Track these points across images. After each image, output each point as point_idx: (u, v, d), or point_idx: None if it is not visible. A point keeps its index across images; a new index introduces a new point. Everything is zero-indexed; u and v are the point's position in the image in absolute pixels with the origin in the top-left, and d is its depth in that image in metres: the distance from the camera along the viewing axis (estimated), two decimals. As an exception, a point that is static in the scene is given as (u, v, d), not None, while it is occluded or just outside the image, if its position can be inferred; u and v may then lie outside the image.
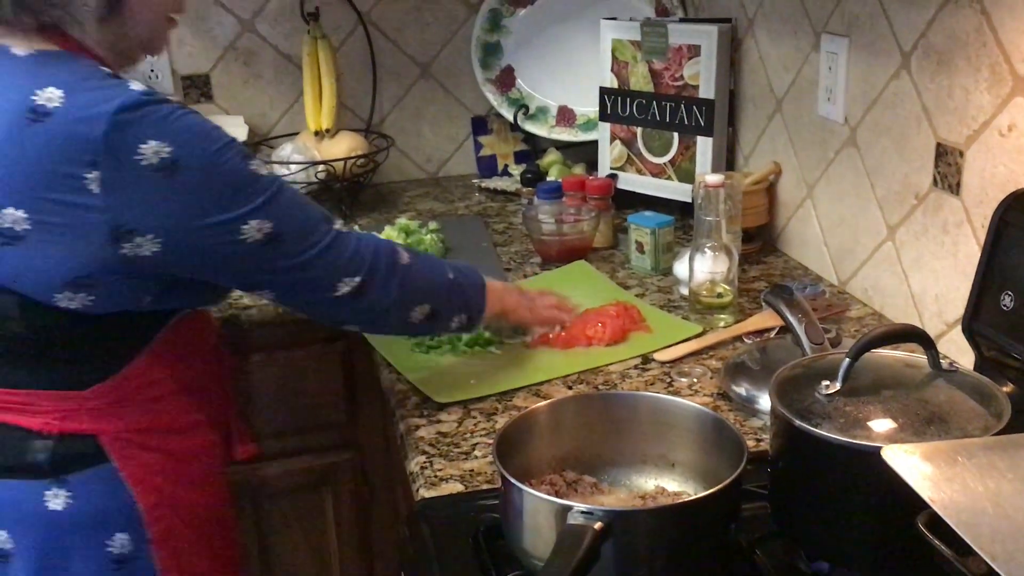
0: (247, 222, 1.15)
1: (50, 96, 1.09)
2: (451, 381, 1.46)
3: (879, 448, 0.83)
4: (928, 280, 1.53)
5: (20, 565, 1.22)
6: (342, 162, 2.18)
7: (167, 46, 1.31)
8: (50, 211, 1.09)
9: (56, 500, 1.20)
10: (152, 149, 1.08)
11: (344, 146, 2.24)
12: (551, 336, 1.56)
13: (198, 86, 2.34)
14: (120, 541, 1.23)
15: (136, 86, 1.12)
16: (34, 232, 1.10)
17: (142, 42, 1.24)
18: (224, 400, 1.41)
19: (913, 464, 0.77)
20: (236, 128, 2.25)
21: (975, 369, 1.27)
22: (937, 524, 0.75)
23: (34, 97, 1.09)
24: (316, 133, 2.27)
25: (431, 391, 1.43)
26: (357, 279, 1.24)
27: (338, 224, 1.25)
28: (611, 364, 1.51)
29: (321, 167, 2.17)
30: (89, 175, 1.08)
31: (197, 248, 1.15)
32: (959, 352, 1.39)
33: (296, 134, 2.34)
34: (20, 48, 1.14)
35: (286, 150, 2.21)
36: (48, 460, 1.19)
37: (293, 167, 2.16)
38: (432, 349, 1.54)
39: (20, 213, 1.10)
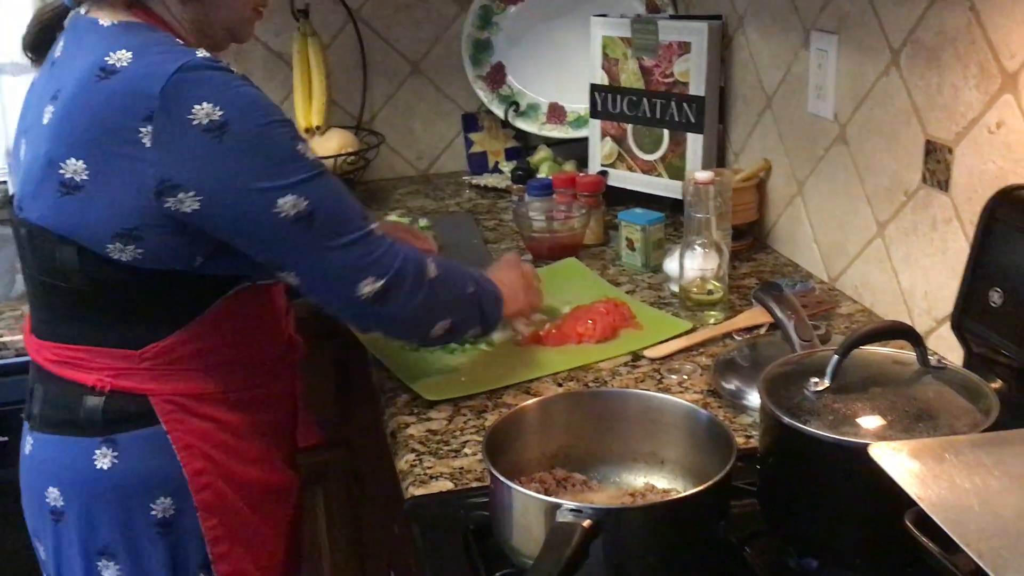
0: (284, 195, 1.16)
1: (120, 56, 1.15)
2: (441, 379, 1.46)
3: (867, 445, 0.83)
4: (917, 277, 1.53)
5: (73, 523, 1.25)
6: (333, 159, 2.18)
7: (252, 35, 1.34)
8: (106, 162, 1.14)
9: (104, 459, 1.22)
10: (205, 111, 1.12)
11: (335, 143, 2.24)
12: (542, 333, 1.56)
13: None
14: (163, 505, 1.24)
15: (202, 53, 1.16)
16: (91, 182, 1.15)
17: (226, 27, 1.28)
18: (291, 385, 1.42)
19: (900, 461, 0.77)
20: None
21: (964, 366, 1.28)
22: (925, 521, 0.75)
23: (107, 58, 1.15)
24: (307, 131, 2.27)
25: (422, 389, 1.43)
26: (380, 283, 1.23)
27: (374, 225, 1.25)
28: (601, 361, 1.51)
29: (311, 164, 2.16)
30: (143, 128, 1.12)
31: (233, 212, 1.16)
32: (948, 349, 1.40)
33: (286, 131, 2.33)
34: (106, 20, 1.20)
35: (276, 147, 2.20)
36: (100, 417, 1.22)
37: (283, 164, 2.15)
38: (423, 347, 1.54)
39: (80, 164, 1.15)
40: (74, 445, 1.24)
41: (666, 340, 1.56)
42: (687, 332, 1.59)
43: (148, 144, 1.12)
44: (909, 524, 0.75)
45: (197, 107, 1.12)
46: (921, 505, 0.70)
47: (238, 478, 1.30)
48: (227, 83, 1.15)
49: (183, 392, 1.25)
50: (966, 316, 1.27)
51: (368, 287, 1.23)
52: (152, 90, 1.12)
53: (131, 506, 1.24)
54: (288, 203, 1.16)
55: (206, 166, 1.14)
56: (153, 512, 1.24)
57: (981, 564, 0.63)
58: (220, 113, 1.12)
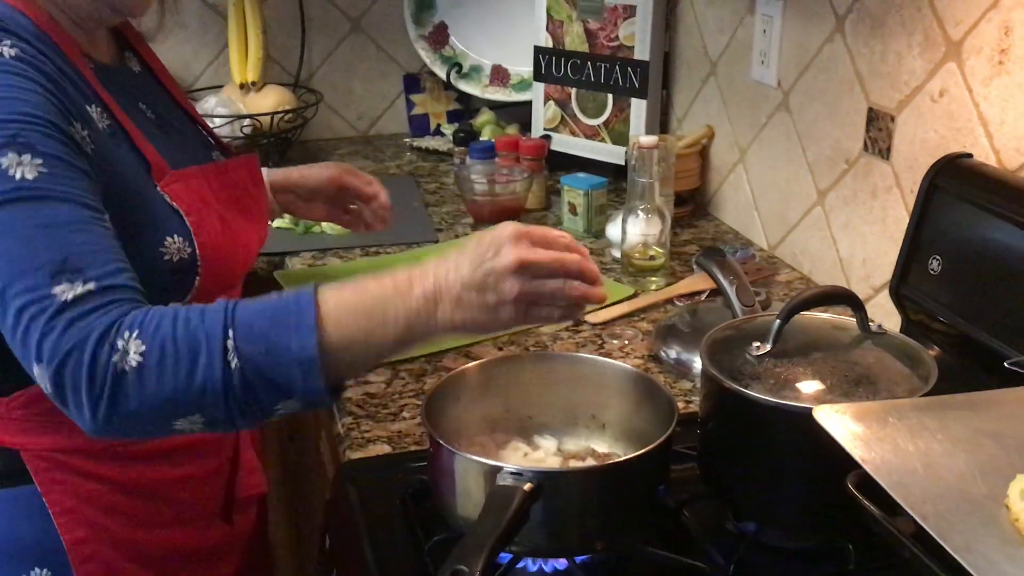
0: None
1: None
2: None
3: (810, 409, 0.83)
4: (856, 244, 1.54)
5: None
6: (269, 117, 2.12)
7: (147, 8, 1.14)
8: None
9: None
10: None
11: (271, 100, 2.18)
12: None
13: (118, 34, 2.24)
14: None
15: None
16: None
17: None
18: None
19: (844, 424, 0.77)
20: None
21: (901, 332, 1.28)
22: (866, 484, 0.75)
23: None
24: (241, 86, 2.21)
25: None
26: (48, 374, 0.87)
27: (72, 292, 0.88)
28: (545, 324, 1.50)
29: (247, 121, 2.11)
30: None
31: None
32: (885, 316, 1.41)
33: (221, 87, 2.27)
34: None
35: (210, 103, 2.14)
36: None
37: (218, 120, 2.09)
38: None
39: None
40: None
41: (608, 305, 1.55)
42: (628, 297, 1.58)
43: None
44: (851, 487, 0.74)
45: None
46: (865, 468, 0.69)
47: (139, 545, 1.11)
48: None
49: (62, 447, 1.05)
50: (905, 283, 1.28)
51: (41, 379, 0.88)
52: None
53: (1, 574, 1.07)
54: None
55: None
56: None
57: (925, 527, 0.63)
58: None
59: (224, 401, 0.88)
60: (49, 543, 1.07)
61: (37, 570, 1.07)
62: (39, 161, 0.91)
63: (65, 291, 0.88)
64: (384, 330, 0.91)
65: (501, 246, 0.91)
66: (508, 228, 0.93)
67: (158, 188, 1.05)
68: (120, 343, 0.87)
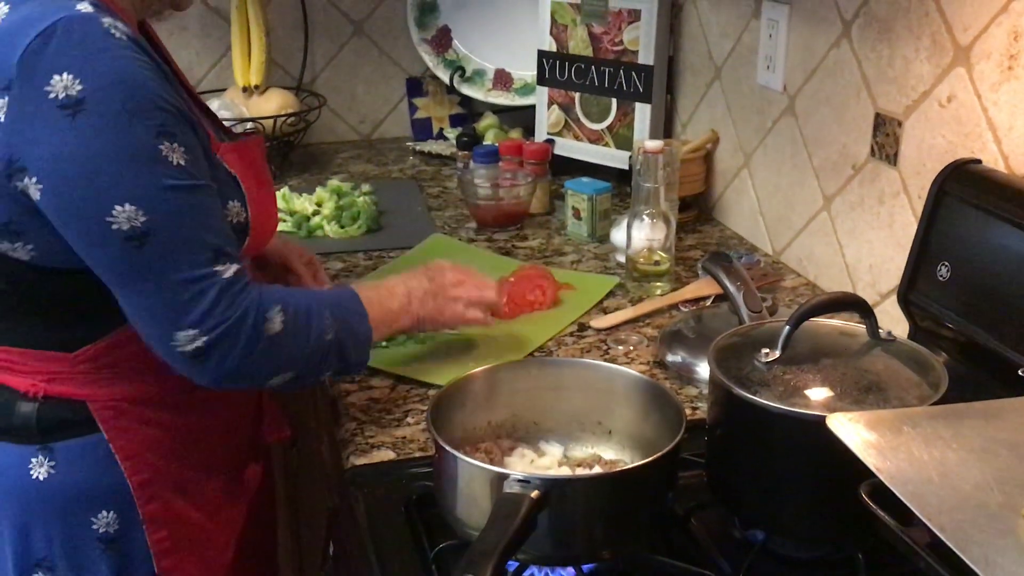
0: (122, 204, 1.00)
1: None
2: (441, 364, 1.37)
3: (823, 417, 0.82)
4: (863, 250, 1.53)
5: (6, 535, 1.15)
6: (272, 120, 2.12)
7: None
8: None
9: (40, 469, 1.12)
10: (64, 83, 0.97)
11: (274, 104, 2.18)
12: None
13: (120, 37, 2.24)
14: (106, 520, 1.14)
15: (84, 7, 1.00)
16: None
17: None
18: None
19: (857, 432, 0.76)
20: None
21: (909, 339, 1.28)
22: (879, 493, 0.74)
23: None
24: (244, 89, 2.20)
25: (431, 378, 1.35)
26: (202, 340, 1.04)
27: (229, 268, 1.06)
28: (574, 322, 1.52)
29: (250, 125, 2.10)
30: (2, 100, 0.99)
31: (68, 206, 1.01)
32: (892, 322, 1.40)
33: (224, 90, 2.26)
34: None
35: (213, 106, 2.13)
36: (34, 424, 1.12)
37: (220, 124, 2.08)
38: (391, 341, 1.41)
39: None
40: (8, 453, 1.13)
41: (605, 298, 1.59)
42: (616, 285, 1.62)
43: (2, 118, 0.99)
44: (864, 496, 0.73)
45: (57, 77, 0.97)
46: (880, 477, 0.68)
47: (190, 485, 1.20)
48: (100, 50, 0.99)
49: (124, 397, 1.14)
50: (913, 289, 1.27)
51: (187, 341, 1.04)
52: (11, 57, 0.98)
53: (70, 520, 1.14)
54: (124, 213, 1.00)
55: (48, 149, 0.99)
56: (95, 527, 1.14)
57: (943, 538, 0.62)
58: (79, 87, 0.97)
59: (319, 359, 1.13)
60: (116, 487, 1.14)
61: (104, 513, 1.15)
62: (182, 148, 1.04)
63: (224, 271, 1.05)
64: (393, 322, 1.26)
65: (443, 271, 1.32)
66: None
67: (217, 156, 1.14)
68: (270, 313, 1.08)
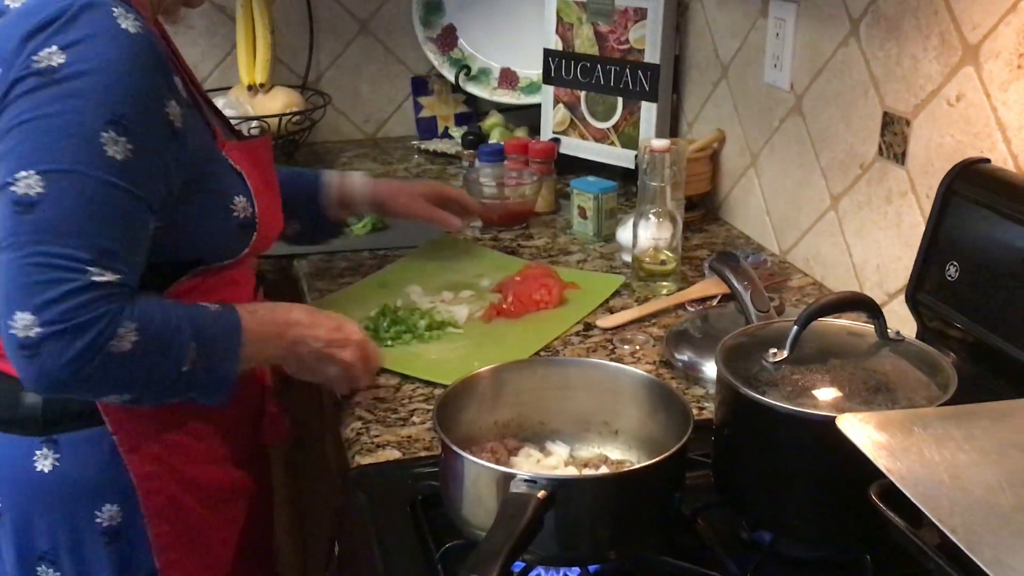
0: (30, 170, 0.98)
1: None
2: (445, 363, 1.37)
3: (830, 417, 0.81)
4: (870, 250, 1.53)
5: (9, 527, 1.15)
6: (277, 119, 2.11)
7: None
8: None
9: (44, 461, 1.13)
10: (49, 55, 0.99)
11: (279, 102, 2.17)
12: (504, 306, 1.53)
13: (125, 35, 2.24)
14: (110, 512, 1.15)
15: None
16: None
17: None
18: (258, 377, 1.30)
19: (868, 433, 0.75)
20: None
21: (917, 339, 1.27)
22: (889, 494, 0.73)
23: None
24: (249, 88, 2.20)
25: (437, 377, 1.34)
26: (37, 331, 0.97)
27: (103, 276, 0.99)
28: (580, 321, 1.52)
29: (255, 123, 2.10)
30: (1, 70, 1.01)
31: None
32: (899, 322, 1.38)
33: (229, 88, 2.26)
34: None
35: (218, 104, 2.13)
36: (39, 415, 1.12)
37: (225, 122, 2.08)
38: (396, 340, 1.43)
39: None
40: (13, 444, 1.13)
41: (611, 297, 1.59)
42: (622, 285, 1.62)
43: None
44: (874, 497, 0.73)
45: (46, 51, 0.99)
46: (891, 478, 0.68)
47: (193, 480, 1.20)
48: (98, 35, 1.00)
49: None
50: (921, 289, 1.26)
51: (22, 327, 0.97)
52: (19, 32, 1.00)
53: (74, 513, 1.14)
54: (29, 179, 0.98)
55: (12, 114, 1.00)
56: (98, 520, 1.15)
57: (955, 540, 0.61)
58: (60, 61, 0.99)
59: (165, 388, 1.07)
60: (119, 480, 1.15)
61: (108, 506, 1.15)
62: (130, 147, 1.01)
63: (97, 274, 1.00)
64: (265, 349, 1.18)
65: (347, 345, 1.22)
66: (356, 336, 1.24)
67: (223, 152, 1.16)
68: (121, 330, 1.01)
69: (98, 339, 0.99)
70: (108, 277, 1.00)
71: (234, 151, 1.17)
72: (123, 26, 1.02)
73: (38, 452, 1.13)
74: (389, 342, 1.43)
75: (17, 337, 0.98)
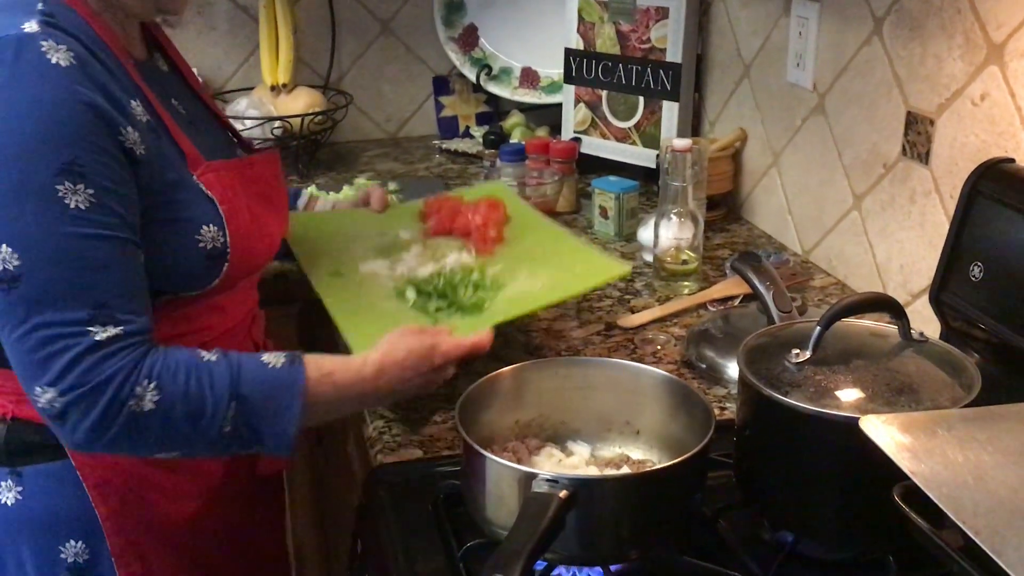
0: (0, 242, 0.94)
1: None
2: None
3: (855, 418, 0.81)
4: (894, 250, 1.52)
5: None
6: (299, 119, 2.12)
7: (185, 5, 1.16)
8: None
9: (8, 493, 1.10)
10: None
11: (301, 102, 2.18)
12: (488, 237, 1.42)
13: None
14: (74, 549, 1.11)
15: (30, 26, 0.96)
16: None
17: None
18: None
19: (891, 435, 0.75)
20: (189, 81, 2.18)
21: (940, 340, 1.26)
22: (912, 496, 0.73)
23: None
24: (272, 88, 2.21)
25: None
26: (59, 401, 0.97)
27: (103, 333, 0.97)
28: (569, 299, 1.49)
29: (277, 123, 2.11)
30: None
31: None
32: (923, 323, 1.37)
33: (251, 88, 2.27)
34: None
35: (241, 105, 2.14)
36: (2, 446, 1.09)
37: (248, 122, 2.09)
38: (466, 313, 1.30)
39: None
40: None
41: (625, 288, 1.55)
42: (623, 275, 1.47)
43: None
44: (897, 499, 0.73)
45: None
46: (915, 480, 0.68)
47: (166, 519, 1.15)
48: (24, 75, 0.94)
49: None
50: (945, 290, 1.25)
51: (45, 400, 0.97)
52: None
53: (39, 548, 1.11)
54: (2, 255, 0.94)
55: None
56: (63, 556, 1.11)
57: (978, 542, 0.61)
58: None
59: (206, 451, 1.05)
60: (84, 516, 1.10)
61: (72, 542, 1.11)
62: (91, 191, 0.96)
63: (98, 332, 0.97)
64: (345, 408, 1.15)
65: (441, 368, 1.15)
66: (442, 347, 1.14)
67: (194, 177, 1.08)
68: (139, 389, 0.98)
69: (116, 399, 0.97)
70: (110, 332, 0.97)
71: (210, 174, 1.09)
72: (53, 61, 0.95)
73: (2, 484, 1.10)
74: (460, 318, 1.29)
75: (45, 409, 0.98)
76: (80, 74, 0.97)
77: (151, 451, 1.03)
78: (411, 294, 1.33)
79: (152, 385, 0.98)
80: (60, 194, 0.95)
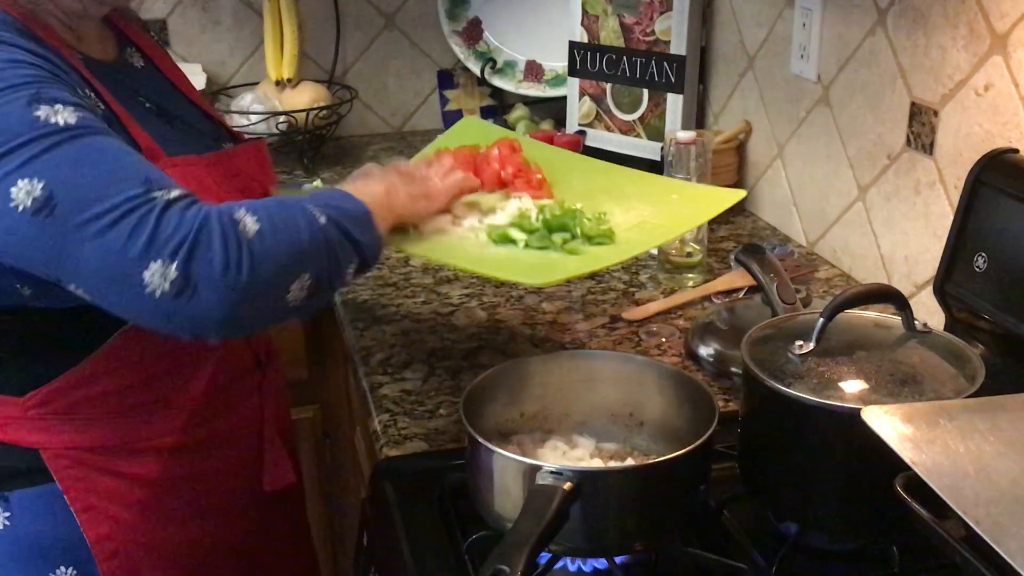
0: (15, 183, 0.88)
1: None
2: (533, 263, 1.18)
3: (857, 409, 0.81)
4: (898, 241, 1.52)
5: None
6: (304, 113, 2.13)
7: None
8: None
9: None
10: None
11: (306, 97, 2.19)
12: (533, 182, 1.30)
13: (154, 32, 2.25)
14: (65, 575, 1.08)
15: None
16: None
17: None
18: (252, 418, 1.20)
19: (893, 425, 0.75)
20: (193, 76, 2.18)
21: (945, 330, 1.26)
22: (915, 486, 0.73)
23: None
24: (277, 83, 2.21)
25: (522, 276, 1.19)
26: (172, 266, 0.88)
27: (171, 193, 0.91)
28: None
29: (282, 118, 2.11)
30: None
31: None
32: (928, 314, 1.38)
33: (256, 83, 2.27)
34: None
35: (246, 100, 2.15)
36: None
37: (253, 117, 2.10)
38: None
39: None
40: None
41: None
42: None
43: None
44: (899, 489, 0.73)
45: None
46: (916, 470, 0.68)
47: (163, 542, 1.12)
48: None
49: (80, 445, 1.06)
50: (949, 281, 1.25)
51: (160, 280, 0.88)
52: None
53: (29, 574, 1.07)
54: (22, 190, 0.88)
55: None
56: None
57: (979, 531, 0.61)
58: None
59: (327, 250, 0.97)
60: (73, 541, 1.07)
61: (63, 568, 1.08)
62: (71, 108, 0.92)
63: (164, 193, 0.91)
64: (387, 204, 1.09)
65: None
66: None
67: None
68: (237, 217, 0.92)
69: (226, 230, 0.90)
70: (176, 192, 0.92)
71: (172, 169, 1.02)
72: None
73: None
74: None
75: (168, 293, 0.88)
76: (20, 49, 0.95)
77: (287, 279, 0.94)
78: (517, 234, 1.19)
79: (242, 210, 0.93)
80: (44, 116, 0.90)
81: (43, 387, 1.04)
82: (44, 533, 1.07)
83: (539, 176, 1.30)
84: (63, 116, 0.91)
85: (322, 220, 0.98)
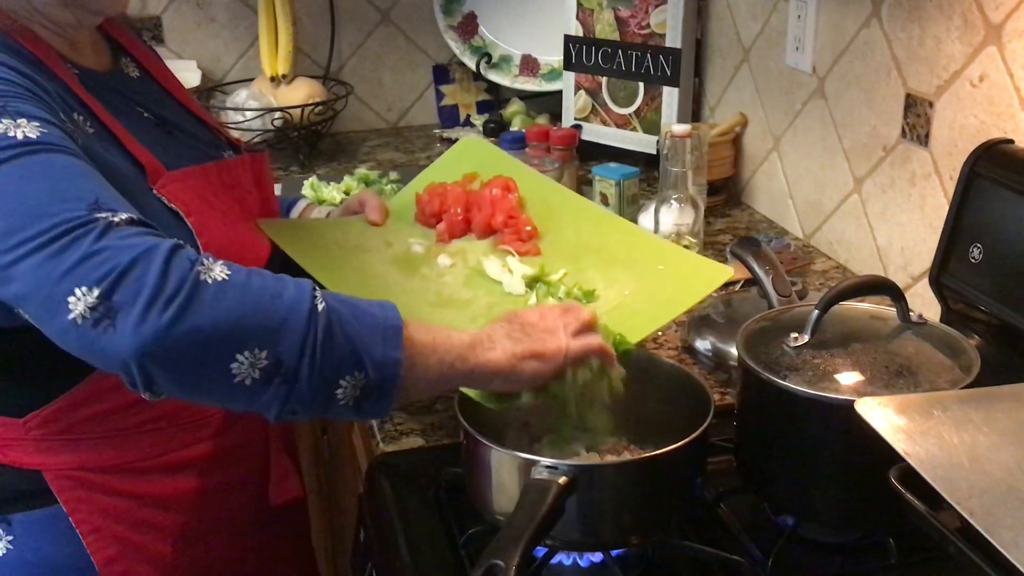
0: None
1: None
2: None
3: (851, 401, 0.81)
4: (894, 233, 1.52)
5: None
6: (299, 109, 2.12)
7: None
8: None
9: None
10: None
11: (301, 93, 2.18)
12: (521, 237, 1.30)
13: (149, 29, 2.25)
14: None
15: None
16: None
17: None
18: (256, 432, 1.17)
19: (887, 417, 0.76)
20: (188, 73, 2.18)
21: (941, 322, 1.26)
22: (909, 478, 0.73)
23: None
24: (272, 79, 2.21)
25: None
26: (94, 292, 0.79)
27: (118, 216, 0.84)
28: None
29: (278, 114, 2.11)
30: None
31: None
32: (924, 305, 1.38)
33: (251, 80, 2.27)
34: None
35: (241, 96, 2.15)
36: None
37: (249, 113, 2.10)
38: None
39: None
40: None
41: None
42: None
43: None
44: (894, 481, 0.73)
45: None
46: (909, 462, 0.68)
47: (172, 559, 1.09)
48: None
49: (83, 465, 1.03)
50: (945, 272, 1.25)
51: (80, 304, 0.80)
52: None
53: None
54: None
55: None
56: None
57: (972, 522, 0.61)
58: None
59: (301, 340, 0.83)
60: (80, 564, 1.05)
61: None
62: (36, 123, 0.88)
63: (108, 216, 0.83)
64: (449, 343, 0.93)
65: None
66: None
67: (154, 191, 1.02)
68: (205, 260, 0.83)
69: (168, 267, 0.81)
70: (123, 216, 0.84)
71: (173, 184, 1.01)
72: None
73: None
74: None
75: (85, 318, 0.80)
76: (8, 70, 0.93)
77: (232, 345, 0.81)
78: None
79: (219, 262, 0.83)
80: (3, 130, 0.86)
81: (44, 408, 1.02)
82: (50, 556, 1.05)
83: (528, 228, 1.30)
84: (24, 130, 0.87)
85: (320, 306, 0.85)
